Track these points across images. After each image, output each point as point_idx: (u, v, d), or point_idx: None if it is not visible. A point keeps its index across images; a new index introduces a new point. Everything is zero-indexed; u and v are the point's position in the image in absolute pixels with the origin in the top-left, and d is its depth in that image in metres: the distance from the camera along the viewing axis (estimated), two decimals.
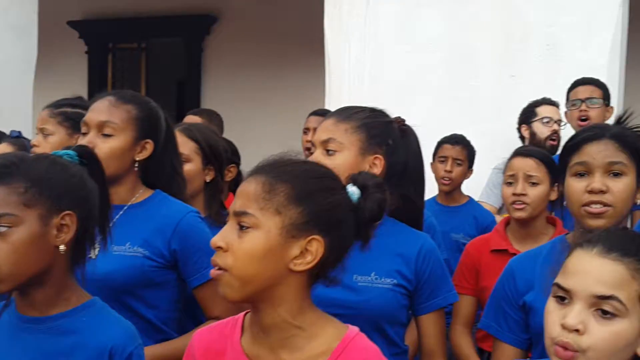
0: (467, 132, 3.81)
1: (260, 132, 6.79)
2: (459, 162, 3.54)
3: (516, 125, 3.72)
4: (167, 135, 2.16)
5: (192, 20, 7.56)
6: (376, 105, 2.13)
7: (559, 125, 3.62)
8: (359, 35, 4.22)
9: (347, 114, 2.00)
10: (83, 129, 2.07)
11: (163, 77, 8.22)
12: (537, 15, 3.79)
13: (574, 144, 1.83)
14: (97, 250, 1.67)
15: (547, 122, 3.61)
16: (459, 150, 3.55)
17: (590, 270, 1.31)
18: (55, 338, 1.50)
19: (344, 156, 1.93)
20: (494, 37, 3.93)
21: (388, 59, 4.20)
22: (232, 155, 2.96)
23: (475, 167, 3.61)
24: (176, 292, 2.11)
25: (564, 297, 1.33)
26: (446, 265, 2.09)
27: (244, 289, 1.32)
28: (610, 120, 3.28)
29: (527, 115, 3.66)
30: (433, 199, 3.57)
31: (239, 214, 1.32)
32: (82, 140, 2.02)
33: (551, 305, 1.35)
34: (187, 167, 2.41)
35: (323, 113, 3.60)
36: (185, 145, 2.43)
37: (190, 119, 3.87)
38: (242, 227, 1.32)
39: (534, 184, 2.61)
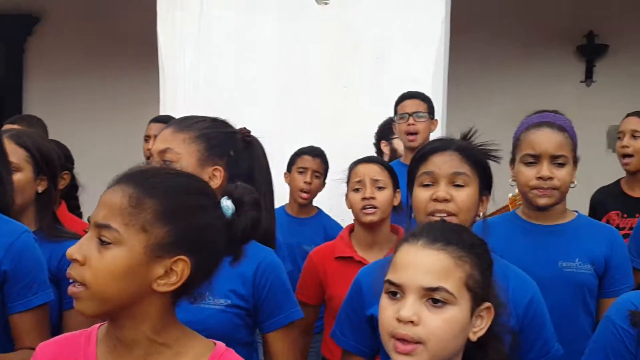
0: (300, 142, 3.86)
1: (90, 139, 6.49)
2: (317, 174, 3.57)
3: (373, 141, 3.78)
4: None
5: (11, 20, 7.10)
6: (210, 113, 2.10)
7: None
8: (193, 41, 4.17)
9: (187, 123, 1.96)
10: None
11: None
12: (366, 29, 3.92)
13: (422, 155, 1.90)
14: None
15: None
16: (319, 163, 3.59)
17: (417, 262, 1.36)
18: None
19: (181, 167, 1.86)
20: (325, 48, 4.02)
21: (222, 67, 4.18)
22: (66, 160, 2.81)
23: None
24: None
25: (396, 292, 1.36)
26: (293, 277, 2.09)
27: (103, 306, 1.25)
28: (437, 133, 3.46)
29: (386, 132, 3.74)
30: (282, 209, 3.55)
31: (101, 227, 1.24)
32: None
33: (384, 301, 1.38)
34: (17, 177, 2.24)
35: (164, 120, 3.49)
36: (14, 154, 2.25)
37: (9, 128, 3.59)
38: (102, 242, 1.24)
39: (380, 188, 2.68)
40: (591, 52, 6.81)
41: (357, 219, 2.73)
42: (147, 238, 1.24)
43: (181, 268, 1.26)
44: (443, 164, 1.84)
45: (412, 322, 1.32)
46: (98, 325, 1.36)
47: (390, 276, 1.38)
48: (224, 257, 1.36)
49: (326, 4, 4.05)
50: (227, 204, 1.35)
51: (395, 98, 3.67)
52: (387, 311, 1.36)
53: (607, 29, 6.70)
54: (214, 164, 1.92)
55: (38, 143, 2.39)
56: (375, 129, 3.88)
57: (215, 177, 1.91)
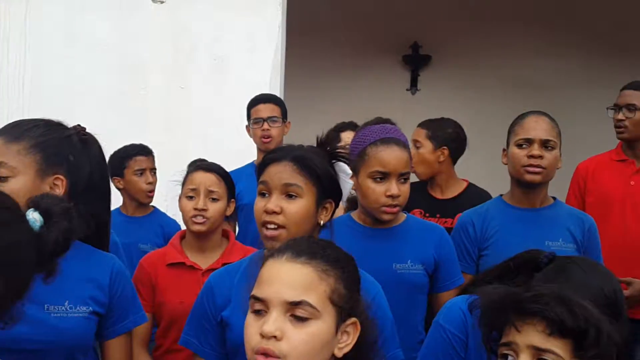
0: (137, 142, 3.77)
1: None
2: (154, 171, 3.50)
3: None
4: None
5: None
6: (37, 112, 1.98)
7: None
8: (18, 36, 3.94)
9: (19, 132, 1.79)
10: None
11: None
12: (204, 31, 3.91)
13: (261, 164, 1.90)
14: None
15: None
16: (153, 160, 3.52)
17: (281, 276, 1.35)
18: None
19: (19, 182, 1.74)
20: (162, 48, 3.95)
21: (51, 64, 3.99)
22: None
23: None
24: None
25: (261, 308, 1.35)
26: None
27: None
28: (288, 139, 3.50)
29: (332, 140, 3.66)
30: (117, 210, 3.46)
31: None
32: None
33: (250, 318, 1.36)
34: None
35: None
36: None
37: None
38: None
39: (214, 199, 2.62)
40: (416, 62, 7.19)
41: (186, 226, 2.69)
42: None
43: None
44: (276, 174, 1.82)
45: (275, 337, 1.31)
46: None
47: (254, 292, 1.36)
48: (35, 273, 1.26)
49: (162, 2, 3.99)
50: (33, 217, 1.26)
51: (235, 100, 3.69)
52: (252, 327, 1.34)
53: (430, 40, 7.10)
54: (53, 172, 1.79)
55: None
56: (214, 130, 3.86)
57: (57, 186, 1.79)
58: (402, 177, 2.30)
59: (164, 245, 2.92)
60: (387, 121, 2.45)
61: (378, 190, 2.28)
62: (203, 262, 2.61)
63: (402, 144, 2.34)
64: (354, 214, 2.44)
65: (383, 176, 2.28)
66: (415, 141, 3.38)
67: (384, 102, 6.77)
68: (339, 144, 3.56)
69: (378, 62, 7.15)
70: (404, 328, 2.22)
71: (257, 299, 1.35)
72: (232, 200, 2.71)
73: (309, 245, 1.42)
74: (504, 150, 2.67)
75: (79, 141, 1.88)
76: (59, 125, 1.87)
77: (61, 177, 1.80)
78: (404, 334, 2.19)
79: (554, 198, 2.69)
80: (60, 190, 1.79)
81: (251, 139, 3.56)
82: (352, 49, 7.04)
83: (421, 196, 3.28)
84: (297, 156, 1.84)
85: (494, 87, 6.98)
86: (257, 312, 1.35)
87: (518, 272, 1.83)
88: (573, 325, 1.34)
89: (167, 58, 3.95)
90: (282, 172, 1.82)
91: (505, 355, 1.39)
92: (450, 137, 3.36)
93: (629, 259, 3.26)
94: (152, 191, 3.49)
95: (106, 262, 1.87)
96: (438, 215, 3.11)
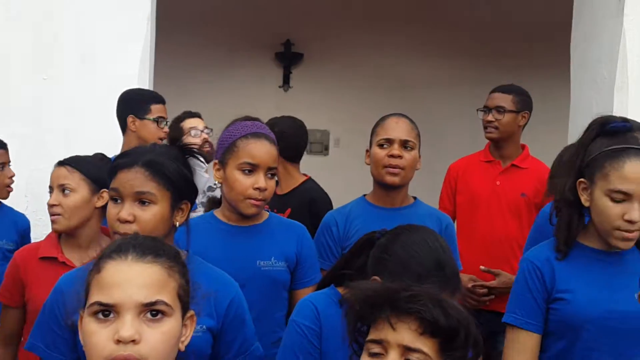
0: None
1: None
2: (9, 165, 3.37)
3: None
4: None
5: None
6: None
7: (208, 132, 3.80)
8: None
9: None
10: None
11: None
12: (71, 22, 3.79)
13: (111, 169, 1.87)
14: None
15: (195, 134, 3.75)
16: (8, 153, 3.38)
17: (130, 278, 1.31)
18: None
19: None
20: (26, 38, 3.80)
21: None
22: None
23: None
24: None
25: (108, 312, 1.30)
26: None
27: None
28: None
29: (175, 132, 3.67)
30: None
31: None
32: None
33: (92, 326, 1.31)
34: None
35: None
36: None
37: None
38: None
39: (67, 193, 2.52)
40: (288, 59, 7.27)
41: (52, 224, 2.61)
42: None
43: None
44: (127, 182, 1.80)
45: (133, 341, 1.28)
46: None
47: (99, 297, 1.31)
48: None
49: None
50: None
51: (101, 93, 3.63)
52: (100, 335, 1.29)
53: (302, 37, 7.21)
54: None
55: None
56: (78, 124, 3.75)
57: None
58: (270, 171, 2.34)
59: (18, 241, 2.83)
60: (257, 119, 2.48)
61: (245, 183, 2.31)
62: (77, 257, 2.53)
63: (272, 140, 2.39)
64: (218, 212, 2.46)
65: (252, 168, 2.31)
66: None
67: (257, 99, 6.82)
68: (183, 135, 3.65)
69: (251, 58, 7.19)
70: (265, 324, 2.29)
71: (104, 305, 1.30)
72: (104, 190, 2.53)
73: (151, 244, 1.39)
74: (367, 150, 2.77)
75: None
76: None
77: None
78: (266, 330, 2.26)
79: (415, 198, 2.81)
80: None
81: (118, 132, 3.53)
82: (224, 45, 7.04)
83: None
84: (148, 161, 1.81)
85: (365, 85, 7.19)
86: (102, 319, 1.30)
87: (360, 254, 1.94)
88: (446, 325, 1.39)
89: (31, 49, 3.80)
90: (133, 180, 1.79)
91: (374, 354, 1.42)
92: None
93: (497, 254, 3.47)
94: (10, 186, 3.36)
95: None
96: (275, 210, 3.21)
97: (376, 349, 1.42)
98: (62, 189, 2.53)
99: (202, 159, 1.97)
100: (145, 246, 1.37)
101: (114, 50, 3.77)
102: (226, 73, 7.07)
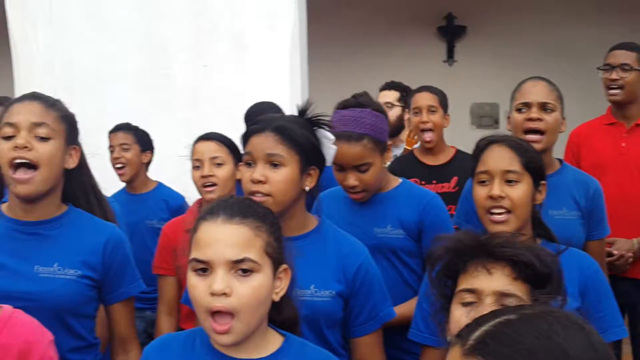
0: (162, 121, 3.85)
1: None
2: (125, 146, 3.57)
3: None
4: None
5: None
6: (67, 93, 2.09)
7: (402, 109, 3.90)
8: (44, 19, 4.04)
9: (51, 100, 1.96)
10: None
11: None
12: (224, 7, 3.94)
13: (243, 136, 1.97)
14: None
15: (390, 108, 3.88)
16: (124, 136, 3.59)
17: (220, 238, 1.44)
18: None
19: (55, 145, 1.94)
20: (185, 26, 4.00)
21: (78, 45, 4.08)
22: None
23: (168, 156, 3.61)
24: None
25: (205, 268, 1.43)
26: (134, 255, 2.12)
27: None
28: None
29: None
30: (123, 190, 3.60)
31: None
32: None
33: (193, 279, 1.44)
34: None
35: (3, 102, 3.40)
36: None
37: None
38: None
39: (219, 164, 2.72)
40: (451, 33, 7.11)
41: (201, 196, 2.78)
42: None
43: None
44: (259, 144, 1.89)
45: (225, 294, 1.40)
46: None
47: (196, 254, 1.44)
48: None
49: None
50: None
51: (255, 76, 3.75)
52: (199, 288, 1.42)
53: (464, 10, 7.01)
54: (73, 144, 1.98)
55: None
56: (238, 107, 3.89)
57: (72, 156, 1.97)
58: (360, 168, 2.31)
59: (169, 219, 3.01)
60: (362, 102, 2.39)
61: (339, 178, 2.36)
62: None
63: (354, 137, 2.29)
64: None
65: (340, 168, 2.33)
66: (430, 106, 3.54)
67: (421, 75, 6.71)
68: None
69: (413, 33, 7.09)
70: (397, 288, 2.34)
71: (200, 261, 1.43)
72: (241, 164, 2.72)
73: (240, 206, 1.49)
74: (508, 117, 2.68)
75: None
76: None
77: (77, 148, 2.00)
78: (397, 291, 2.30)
79: (561, 162, 2.66)
80: (74, 160, 1.97)
81: None
82: (384, 23, 6.99)
83: (414, 165, 3.39)
84: (277, 126, 1.90)
85: (531, 55, 6.86)
86: (200, 273, 1.43)
87: None
88: (540, 270, 1.42)
89: (190, 36, 3.99)
90: (264, 143, 1.89)
91: (467, 303, 1.45)
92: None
93: (627, 217, 3.29)
94: (121, 166, 3.56)
95: (103, 230, 1.99)
96: (434, 182, 3.13)
97: (469, 297, 1.45)
98: (214, 161, 2.72)
99: (329, 131, 2.00)
100: (234, 208, 1.48)
101: (264, 32, 3.87)
102: (387, 51, 7.02)
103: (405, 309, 2.23)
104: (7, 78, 4.20)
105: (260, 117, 2.05)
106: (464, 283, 1.47)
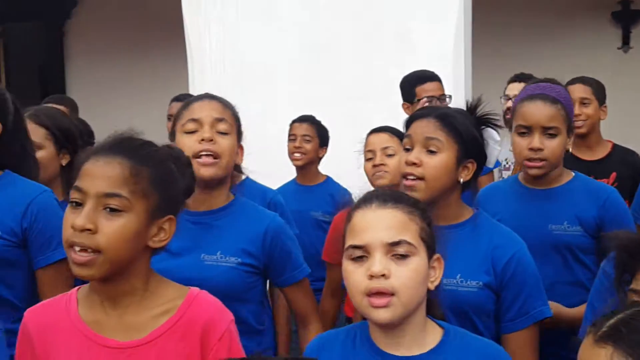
0: (331, 115, 3.92)
1: (127, 118, 6.65)
2: (307, 138, 3.65)
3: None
4: (15, 117, 2.18)
5: (51, 3, 7.29)
6: (238, 90, 2.19)
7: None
8: (217, 17, 4.24)
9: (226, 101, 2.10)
10: None
11: (23, 62, 7.87)
12: (389, 5, 3.95)
13: (407, 121, 2.01)
14: None
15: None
16: (306, 127, 3.67)
17: (376, 222, 1.46)
18: None
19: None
20: (351, 24, 4.06)
21: (249, 42, 4.25)
22: (88, 136, 2.94)
23: (337, 148, 3.68)
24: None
25: (362, 255, 1.45)
26: (297, 240, 2.19)
27: (112, 268, 1.41)
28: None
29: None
30: (293, 180, 3.71)
31: (110, 196, 1.39)
32: None
33: (350, 267, 1.47)
34: (40, 154, 2.39)
35: (184, 98, 3.60)
36: (35, 132, 2.40)
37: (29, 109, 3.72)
38: (112, 210, 1.39)
39: (390, 155, 2.75)
40: (627, 18, 6.70)
41: (371, 184, 2.81)
42: (147, 203, 1.42)
43: (169, 226, 1.48)
44: (419, 128, 1.92)
45: (383, 275, 1.41)
46: (76, 288, 1.53)
47: (352, 241, 1.47)
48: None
49: None
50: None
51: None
52: (356, 274, 1.44)
53: None
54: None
55: (56, 120, 2.54)
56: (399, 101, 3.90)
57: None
58: (548, 131, 2.25)
59: (334, 214, 3.07)
60: (551, 81, 2.38)
61: (521, 144, 2.28)
62: None
63: (549, 98, 2.27)
64: (520, 175, 2.43)
65: (526, 130, 2.27)
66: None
67: (594, 62, 6.38)
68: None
69: (585, 19, 6.74)
70: (569, 286, 2.28)
71: (357, 247, 1.45)
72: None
73: (391, 194, 1.53)
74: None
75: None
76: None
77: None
78: (569, 291, 2.25)
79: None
80: (241, 158, 2.10)
81: None
82: (555, 7, 6.70)
83: (571, 162, 3.18)
84: (441, 114, 1.93)
85: None
86: (357, 260, 1.45)
87: None
88: None
89: (356, 34, 4.04)
90: (424, 127, 1.92)
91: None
92: None
93: None
94: (299, 156, 3.62)
95: (263, 219, 2.08)
96: (592, 176, 2.97)
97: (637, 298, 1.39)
98: (385, 152, 2.77)
99: (497, 131, 1.98)
100: (386, 195, 1.51)
101: (429, 29, 3.85)
102: (559, 38, 6.72)
103: (579, 311, 2.12)
104: (181, 78, 4.44)
105: (429, 105, 2.09)
106: (634, 283, 1.42)
